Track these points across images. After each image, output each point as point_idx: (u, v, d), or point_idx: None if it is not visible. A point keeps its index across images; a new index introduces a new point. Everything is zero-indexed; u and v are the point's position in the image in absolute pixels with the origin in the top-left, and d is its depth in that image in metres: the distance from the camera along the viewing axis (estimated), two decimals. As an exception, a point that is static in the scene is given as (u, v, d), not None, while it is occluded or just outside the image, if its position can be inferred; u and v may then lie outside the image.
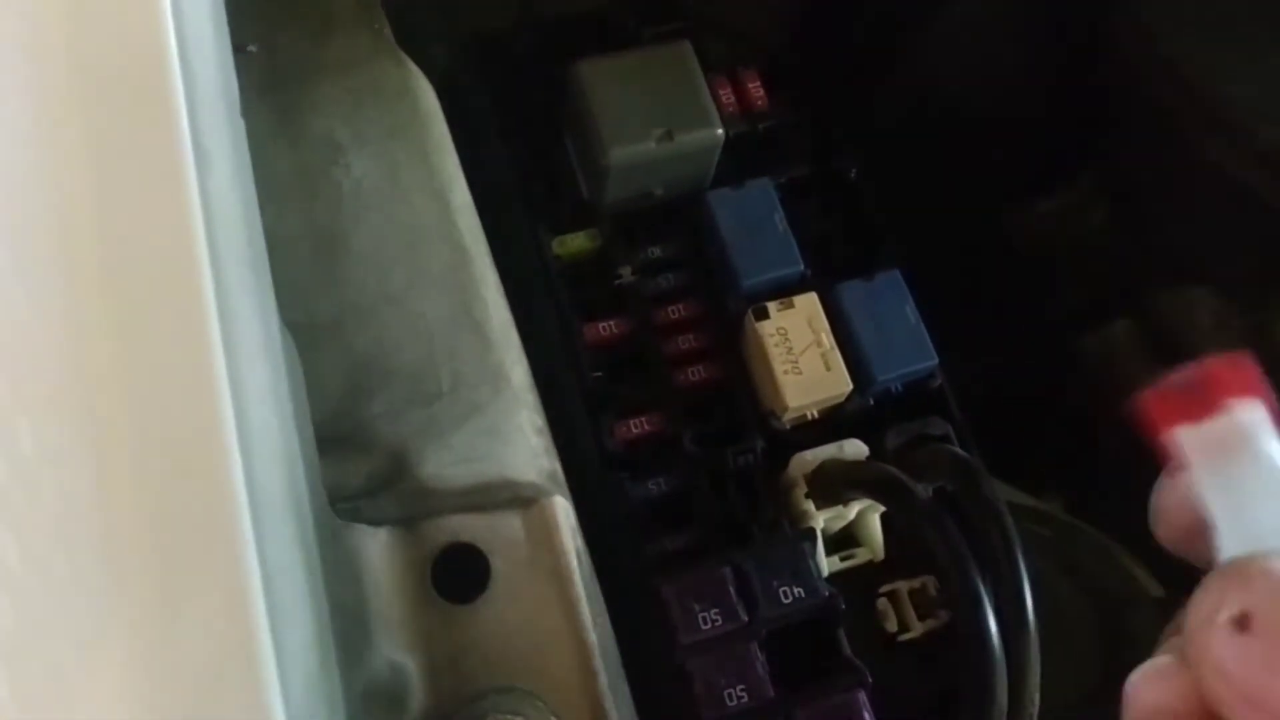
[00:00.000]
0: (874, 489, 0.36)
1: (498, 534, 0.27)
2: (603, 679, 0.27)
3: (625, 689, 0.28)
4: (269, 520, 0.21)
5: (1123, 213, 0.56)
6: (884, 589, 0.38)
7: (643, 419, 0.37)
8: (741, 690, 0.33)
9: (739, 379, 0.38)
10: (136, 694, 0.20)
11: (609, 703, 0.27)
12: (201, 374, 0.20)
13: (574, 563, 0.28)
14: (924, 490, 0.38)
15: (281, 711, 0.19)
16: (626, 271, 0.39)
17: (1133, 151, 0.54)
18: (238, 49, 0.28)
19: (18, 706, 0.20)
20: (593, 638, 0.27)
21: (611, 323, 0.38)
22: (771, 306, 0.37)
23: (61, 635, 0.20)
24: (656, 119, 0.37)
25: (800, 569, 0.35)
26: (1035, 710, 0.33)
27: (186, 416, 0.21)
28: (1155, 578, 0.54)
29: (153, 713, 0.20)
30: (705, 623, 0.34)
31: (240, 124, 0.24)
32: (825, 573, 0.36)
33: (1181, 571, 0.50)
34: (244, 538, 0.20)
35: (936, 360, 0.38)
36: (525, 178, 0.40)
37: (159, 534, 0.20)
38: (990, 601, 0.34)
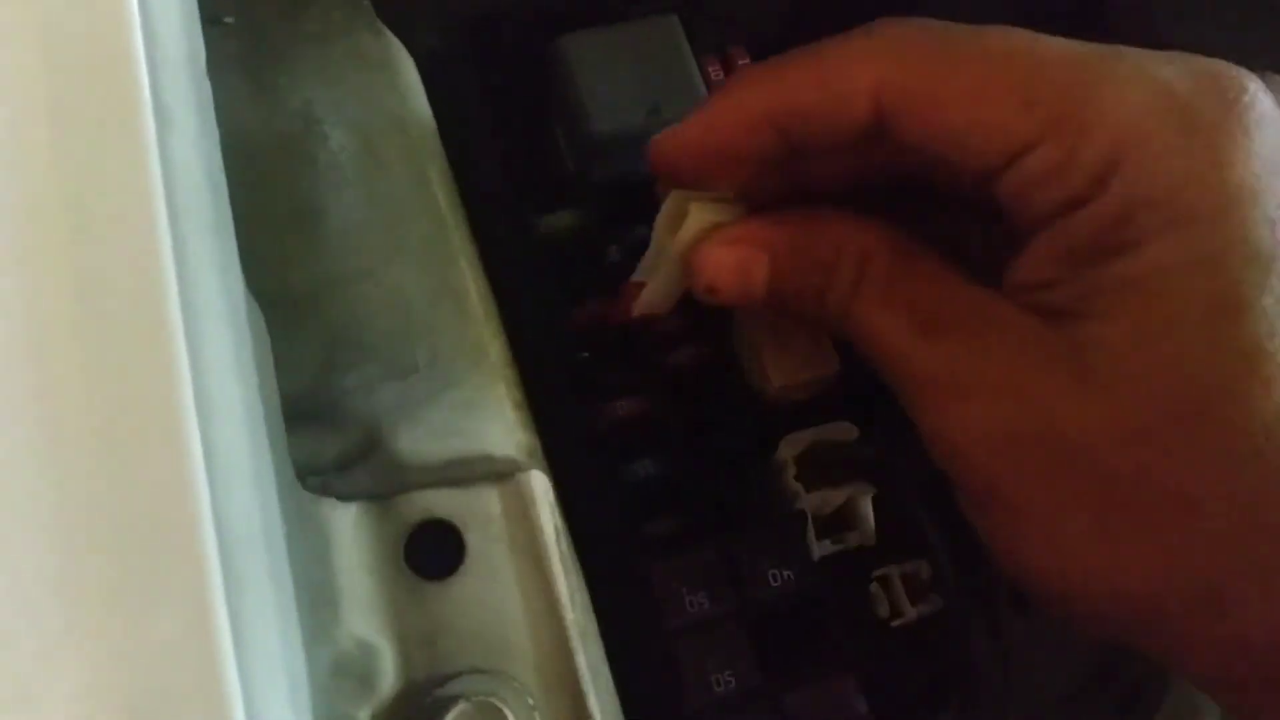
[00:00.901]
0: (865, 470, 0.35)
1: (473, 509, 0.27)
2: (581, 659, 0.26)
3: (606, 671, 0.28)
4: (228, 490, 0.20)
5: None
6: (876, 573, 0.37)
7: (629, 400, 0.36)
8: (729, 675, 0.33)
9: (727, 359, 0.37)
10: (90, 672, 0.19)
11: (588, 684, 0.26)
12: (157, 337, 0.20)
13: (553, 539, 0.27)
14: (914, 473, 0.37)
15: (238, 686, 0.19)
16: (614, 250, 0.38)
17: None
18: (214, 20, 0.27)
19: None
20: (571, 616, 0.26)
21: (598, 302, 0.37)
22: (760, 285, 0.36)
23: (14, 619, 0.19)
24: (644, 94, 0.37)
25: (790, 551, 0.35)
26: (1029, 696, 0.33)
27: (142, 383, 0.20)
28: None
29: (107, 690, 0.19)
30: (692, 606, 0.33)
31: (206, 86, 0.23)
32: (816, 556, 0.36)
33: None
34: (201, 506, 0.19)
35: (929, 339, 0.37)
36: (510, 155, 0.39)
37: (113, 506, 0.20)
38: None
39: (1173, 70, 0.26)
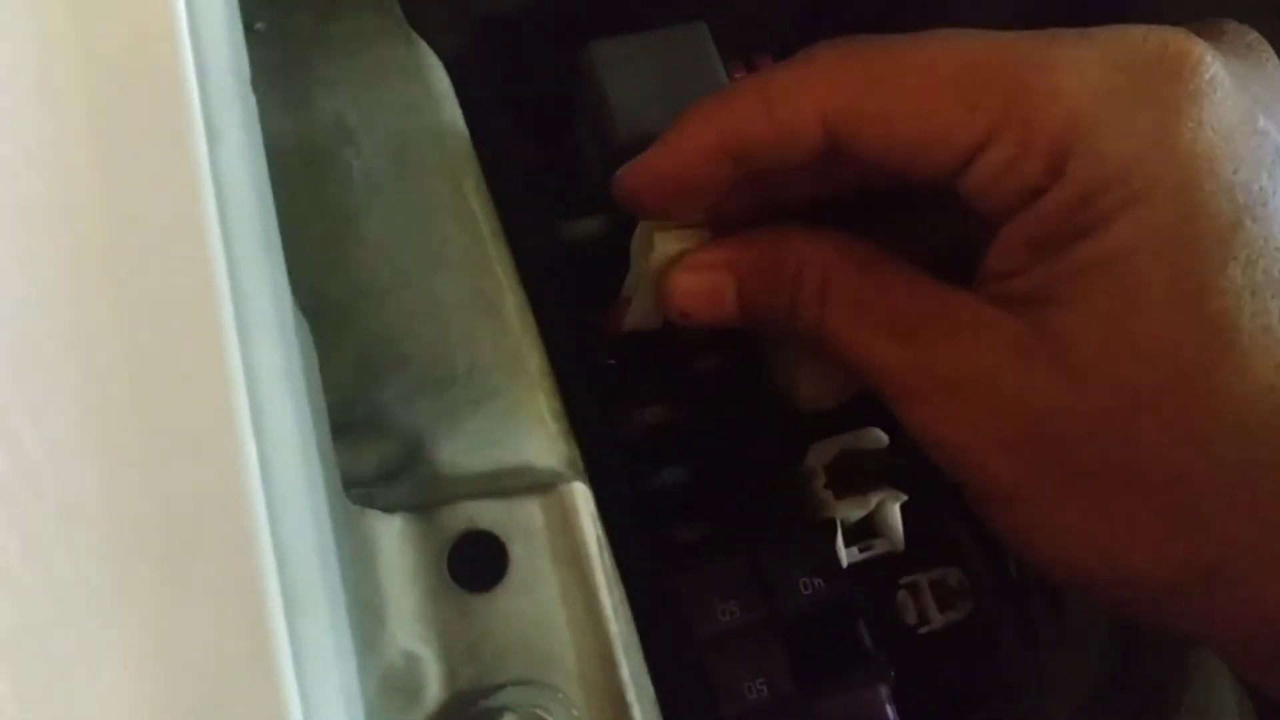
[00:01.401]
0: (894, 477, 0.35)
1: (515, 520, 0.27)
2: (625, 671, 0.26)
3: (648, 682, 0.28)
4: (284, 505, 0.20)
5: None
6: (904, 580, 0.37)
7: (657, 407, 0.36)
8: (761, 684, 0.33)
9: (756, 366, 0.37)
10: (143, 689, 0.19)
11: (631, 695, 0.26)
12: (213, 354, 0.20)
13: (595, 550, 0.27)
14: (945, 479, 0.37)
15: (298, 704, 0.19)
16: (640, 256, 0.38)
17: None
18: (245, 27, 0.27)
19: (19, 706, 0.19)
20: (615, 628, 0.26)
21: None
22: (788, 292, 0.36)
23: (65, 633, 0.19)
24: (671, 102, 0.37)
25: (820, 560, 0.35)
26: (1063, 701, 0.33)
27: (197, 399, 0.20)
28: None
29: (161, 705, 0.19)
30: (723, 615, 0.33)
31: (251, 99, 0.23)
32: (845, 564, 0.36)
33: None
34: (258, 523, 0.19)
35: (957, 346, 0.37)
36: (535, 162, 0.39)
37: (168, 522, 0.20)
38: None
39: (1119, 46, 0.26)
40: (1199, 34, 0.27)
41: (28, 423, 0.20)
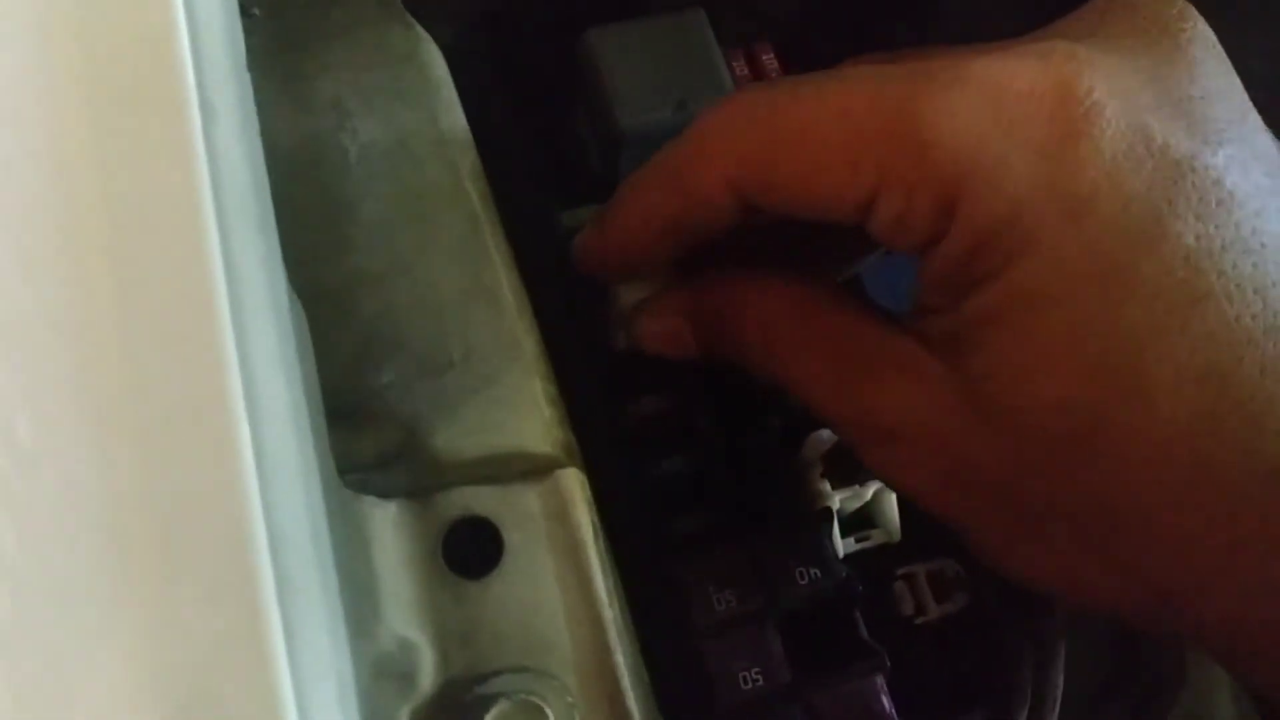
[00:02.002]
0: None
1: (511, 507, 0.26)
2: (620, 658, 0.26)
3: (644, 669, 0.27)
4: (277, 489, 0.20)
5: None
6: (901, 571, 0.37)
7: (656, 397, 0.36)
8: (757, 673, 0.33)
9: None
10: (138, 677, 0.19)
11: (626, 682, 0.26)
12: (206, 334, 0.20)
13: (591, 537, 0.27)
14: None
15: (290, 687, 0.19)
16: (639, 245, 0.38)
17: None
18: (242, 11, 0.27)
19: (14, 696, 0.19)
20: (609, 614, 0.26)
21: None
22: (786, 282, 0.36)
23: (60, 623, 0.19)
24: (669, 88, 0.37)
25: (817, 550, 0.34)
26: (1059, 694, 0.33)
27: (191, 382, 0.20)
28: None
29: (155, 691, 0.19)
30: (720, 604, 0.33)
31: (247, 79, 0.23)
32: (841, 554, 0.35)
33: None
34: (252, 508, 0.19)
35: (956, 336, 0.37)
36: (535, 150, 0.39)
37: (163, 509, 0.19)
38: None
39: (992, 85, 0.25)
40: (1101, 23, 0.26)
41: (21, 411, 0.20)
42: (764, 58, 0.42)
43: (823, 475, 0.36)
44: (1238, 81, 0.27)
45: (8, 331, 0.20)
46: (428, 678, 0.25)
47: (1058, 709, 0.35)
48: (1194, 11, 0.27)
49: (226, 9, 0.24)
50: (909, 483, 0.28)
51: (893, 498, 0.37)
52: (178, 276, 0.20)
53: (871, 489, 0.36)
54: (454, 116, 0.32)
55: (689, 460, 0.36)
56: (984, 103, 0.24)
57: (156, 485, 0.19)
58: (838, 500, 0.36)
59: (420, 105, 0.31)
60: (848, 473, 0.36)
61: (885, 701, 0.34)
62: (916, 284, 0.27)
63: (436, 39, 0.36)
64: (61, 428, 0.19)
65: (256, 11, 0.32)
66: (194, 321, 0.20)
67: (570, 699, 0.25)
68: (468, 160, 0.31)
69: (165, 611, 0.19)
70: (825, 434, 0.36)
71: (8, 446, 0.19)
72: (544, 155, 0.39)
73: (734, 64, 0.41)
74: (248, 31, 0.27)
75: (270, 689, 0.18)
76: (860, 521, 0.37)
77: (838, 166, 0.26)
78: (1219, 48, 0.27)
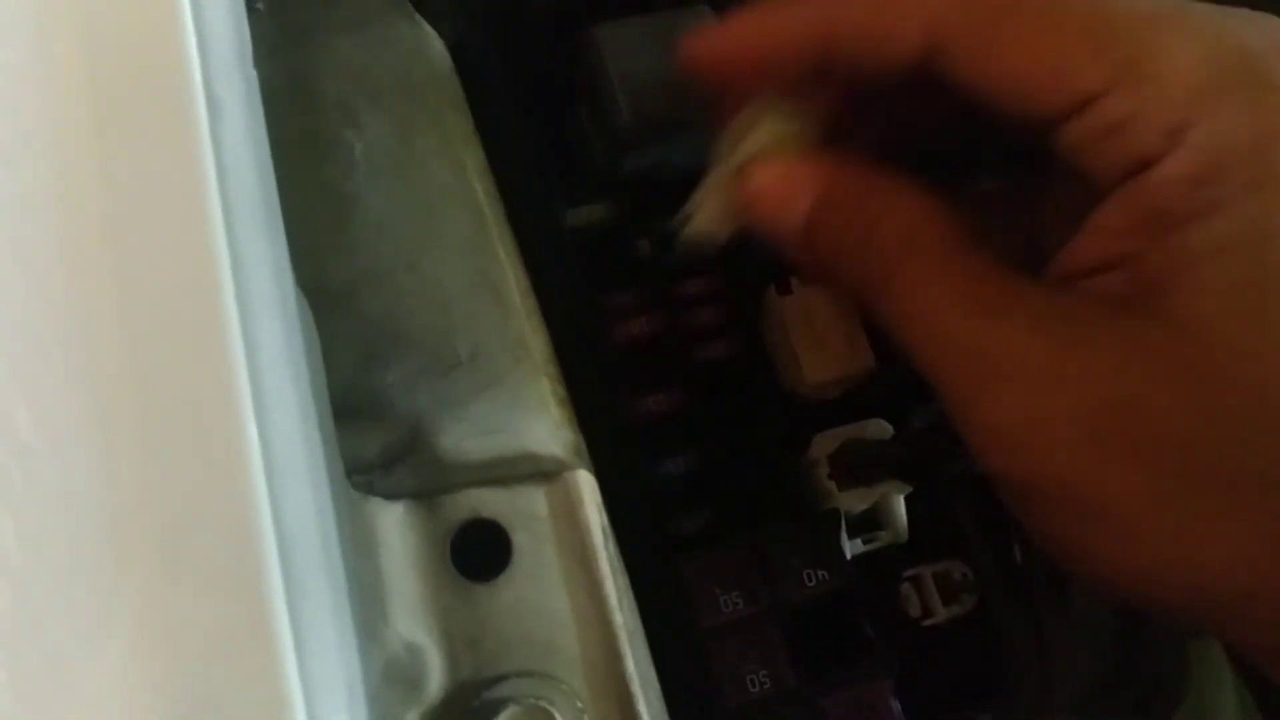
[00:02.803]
0: (901, 470, 0.35)
1: (519, 509, 0.26)
2: (630, 663, 0.26)
3: (653, 674, 0.27)
4: (285, 488, 0.19)
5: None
6: (908, 573, 0.37)
7: (661, 395, 0.36)
8: (764, 675, 0.33)
9: (760, 355, 0.37)
10: (141, 675, 0.19)
11: (636, 687, 0.25)
12: (213, 331, 0.19)
13: (600, 539, 0.26)
14: (951, 471, 0.37)
15: (299, 691, 0.18)
16: (644, 244, 0.38)
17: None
18: (246, 6, 0.26)
19: (14, 694, 0.18)
20: (619, 618, 0.26)
21: (628, 296, 0.37)
22: (794, 280, 0.36)
23: (62, 620, 0.19)
24: (675, 86, 0.36)
25: (823, 551, 0.34)
26: (1067, 693, 0.32)
27: (197, 380, 0.19)
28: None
29: (160, 693, 0.19)
30: (726, 605, 0.33)
31: (253, 74, 0.23)
32: (848, 555, 0.35)
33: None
34: (259, 505, 0.19)
35: (963, 338, 0.37)
36: (538, 147, 0.39)
37: (167, 507, 0.19)
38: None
39: (1244, 28, 0.24)
40: None
41: (22, 406, 0.19)
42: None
43: (830, 476, 0.35)
44: None
45: (11, 327, 0.19)
46: (436, 682, 0.25)
47: (1066, 708, 0.35)
48: None
49: (233, 4, 0.24)
50: (1029, 432, 0.25)
51: (900, 499, 0.36)
52: (184, 274, 0.20)
53: (879, 490, 0.36)
54: (459, 113, 0.31)
55: (694, 460, 0.35)
56: (1241, 36, 0.24)
57: (162, 485, 0.19)
58: (845, 501, 0.35)
59: (426, 102, 0.31)
60: (855, 473, 0.35)
61: (893, 704, 0.34)
62: (1083, 244, 0.25)
63: (442, 33, 0.36)
64: (64, 425, 0.19)
65: (260, 6, 0.32)
66: (201, 319, 0.19)
67: (580, 704, 0.25)
68: (472, 156, 0.31)
69: (170, 612, 0.19)
70: (832, 434, 0.36)
71: (9, 440, 0.19)
72: (549, 152, 0.39)
73: (739, 61, 0.40)
74: (252, 26, 0.26)
75: (279, 694, 0.18)
76: (867, 523, 0.37)
77: (1077, 48, 0.24)
78: None
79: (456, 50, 0.36)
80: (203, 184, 0.20)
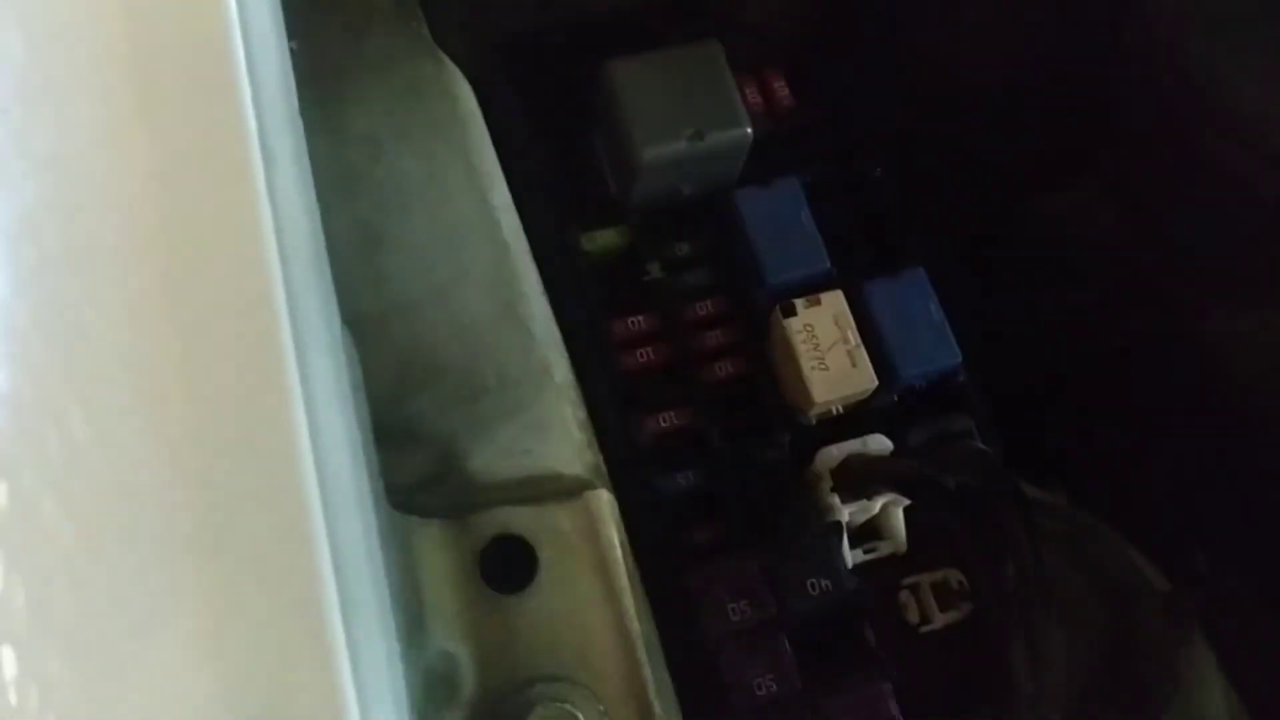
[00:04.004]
0: (900, 484, 0.37)
1: (544, 526, 0.28)
2: (647, 670, 0.27)
3: (669, 680, 0.29)
4: (338, 512, 0.21)
5: (1133, 211, 0.56)
6: (906, 581, 0.38)
7: (671, 413, 0.38)
8: (770, 680, 0.34)
9: (765, 375, 0.38)
10: (198, 678, 0.20)
11: (653, 693, 0.27)
12: (273, 372, 0.21)
13: (619, 554, 0.28)
14: (948, 485, 0.38)
15: (355, 702, 0.20)
16: (655, 268, 0.39)
17: (1143, 152, 0.55)
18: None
19: (77, 688, 0.20)
20: (637, 628, 0.28)
21: (640, 318, 0.39)
22: (799, 303, 0.38)
23: (120, 620, 0.20)
24: (687, 118, 0.38)
25: (827, 562, 0.36)
26: (1061, 699, 0.34)
27: (258, 412, 0.21)
28: (1161, 572, 0.55)
29: (216, 697, 0.20)
30: (734, 614, 0.35)
31: (299, 123, 0.25)
32: (850, 565, 0.37)
33: (1187, 565, 0.51)
34: (317, 529, 0.20)
35: (960, 358, 0.38)
36: (554, 175, 0.40)
37: (226, 523, 0.21)
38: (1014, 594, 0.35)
39: None
40: None
41: (79, 417, 0.21)
42: (775, 84, 0.43)
43: (833, 489, 0.37)
44: None
45: (81, 359, 0.21)
46: (468, 687, 0.27)
47: (1059, 712, 0.36)
48: None
49: (280, 52, 0.26)
50: None
51: (899, 511, 0.38)
52: (245, 318, 0.21)
53: (879, 502, 0.38)
54: (484, 150, 0.33)
55: (703, 475, 0.37)
56: None
57: (223, 504, 0.21)
58: (847, 513, 0.37)
59: (452, 139, 0.33)
60: (857, 487, 0.37)
61: (893, 708, 0.35)
62: None
63: (464, 67, 0.38)
64: (148, 465, 0.21)
65: (293, 45, 0.34)
66: (261, 361, 0.21)
67: (601, 707, 0.26)
68: (498, 192, 0.32)
69: (227, 623, 0.20)
70: (835, 449, 0.37)
71: (68, 450, 0.20)
72: (563, 178, 0.41)
73: (746, 90, 0.42)
74: (284, 66, 0.28)
75: (337, 703, 0.20)
76: (868, 533, 0.39)
77: None
78: None
79: (474, 82, 0.38)
80: (261, 233, 0.22)
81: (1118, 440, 0.58)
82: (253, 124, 0.23)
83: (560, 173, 0.40)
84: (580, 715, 0.25)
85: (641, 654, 0.27)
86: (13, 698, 0.19)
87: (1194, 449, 0.55)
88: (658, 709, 0.27)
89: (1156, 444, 0.57)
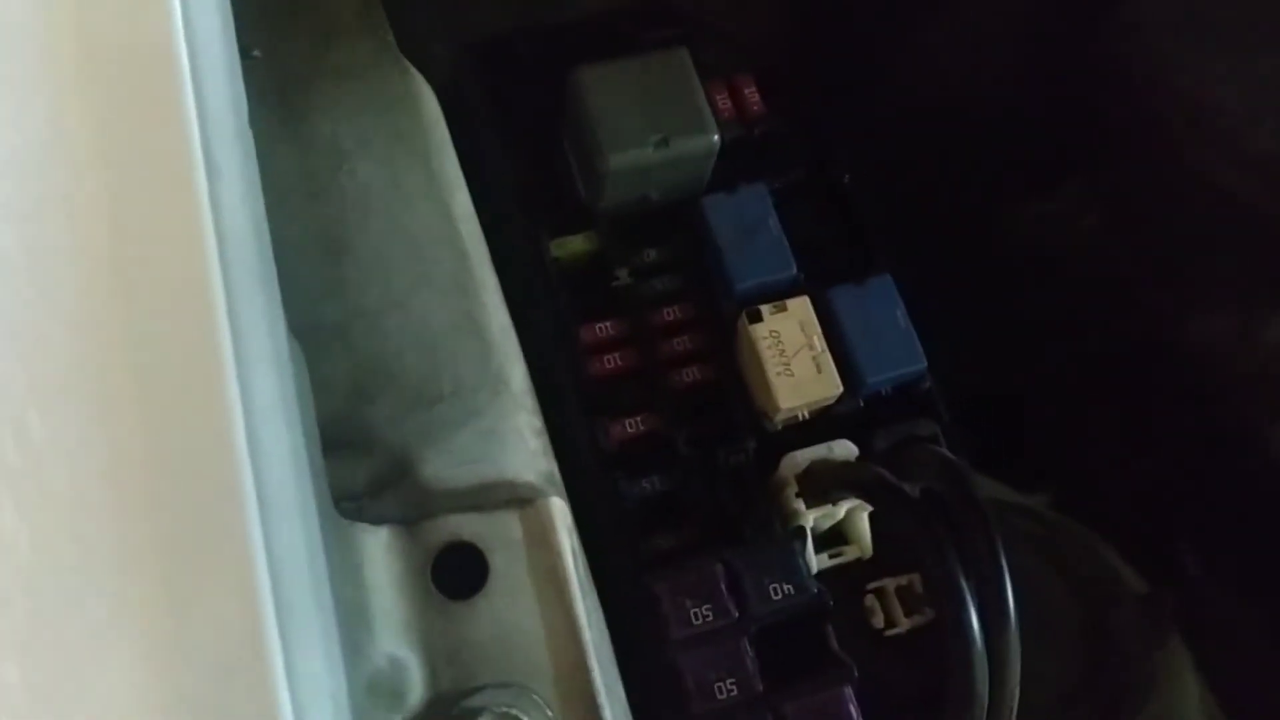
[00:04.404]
0: (863, 489, 0.37)
1: (496, 533, 0.28)
2: (597, 675, 0.28)
3: (619, 686, 0.29)
4: (276, 520, 0.21)
5: (1114, 216, 0.56)
6: (871, 586, 0.39)
7: (637, 419, 0.38)
8: (731, 684, 0.35)
9: (732, 380, 0.39)
10: (147, 683, 0.21)
11: (603, 698, 0.27)
12: (213, 386, 0.21)
13: (570, 562, 0.28)
14: (912, 491, 0.39)
15: (289, 704, 0.20)
16: (623, 274, 0.40)
17: (1124, 157, 0.55)
18: (242, 54, 0.28)
19: (30, 694, 0.20)
20: (588, 635, 0.28)
21: (608, 324, 0.39)
22: (765, 309, 0.38)
23: (73, 625, 0.21)
24: (654, 125, 0.38)
25: (790, 567, 0.36)
26: (1015, 705, 0.34)
27: (198, 424, 0.21)
28: (1139, 574, 0.55)
29: (163, 702, 0.21)
30: (696, 618, 0.35)
31: (249, 135, 0.25)
32: (814, 570, 0.37)
33: (1165, 568, 0.51)
34: (253, 537, 0.21)
35: (925, 364, 0.39)
36: (524, 180, 0.41)
37: (170, 531, 0.21)
38: (973, 599, 0.35)
39: None
40: None
41: (37, 423, 0.21)
42: (745, 90, 0.43)
43: (798, 495, 0.37)
44: None
45: (33, 367, 0.21)
46: (417, 693, 0.27)
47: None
48: None
49: (229, 64, 0.26)
50: None
51: (864, 516, 0.38)
52: (187, 332, 0.22)
53: (845, 507, 0.38)
54: (446, 158, 0.33)
55: (668, 480, 0.37)
56: None
57: (166, 510, 0.21)
58: (811, 519, 0.37)
59: (414, 147, 0.33)
60: (821, 492, 0.37)
61: (853, 710, 0.36)
62: None
63: (431, 73, 0.38)
64: (77, 444, 0.21)
65: (257, 54, 0.34)
66: (202, 372, 0.21)
67: (550, 713, 0.27)
68: (459, 200, 0.33)
69: (174, 626, 0.21)
70: (800, 455, 0.38)
71: (22, 451, 0.21)
72: (533, 184, 0.41)
73: (716, 96, 0.42)
74: (248, 72, 0.28)
75: (270, 705, 0.20)
76: (834, 538, 0.39)
77: None
78: None
79: (444, 88, 0.38)
80: (203, 247, 0.22)
81: (1098, 444, 0.58)
82: (196, 136, 0.23)
83: (531, 179, 0.41)
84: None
85: (592, 660, 0.28)
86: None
87: (1174, 453, 0.56)
88: (607, 714, 0.27)
89: (1137, 448, 0.58)
